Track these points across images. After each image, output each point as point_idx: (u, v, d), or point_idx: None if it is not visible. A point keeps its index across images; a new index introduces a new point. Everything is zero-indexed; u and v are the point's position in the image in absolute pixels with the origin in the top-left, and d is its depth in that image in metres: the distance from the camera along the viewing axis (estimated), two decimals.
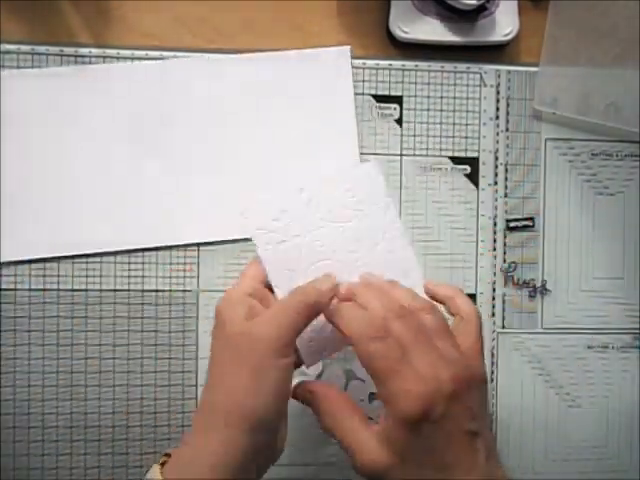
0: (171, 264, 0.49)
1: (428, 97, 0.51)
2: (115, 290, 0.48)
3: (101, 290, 0.48)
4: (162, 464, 0.36)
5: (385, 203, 0.42)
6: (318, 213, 0.41)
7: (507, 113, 0.51)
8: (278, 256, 0.40)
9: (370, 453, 0.35)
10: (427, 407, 0.33)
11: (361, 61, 0.50)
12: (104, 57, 0.48)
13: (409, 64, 0.50)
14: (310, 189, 0.41)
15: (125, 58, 0.48)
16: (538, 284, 0.51)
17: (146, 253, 0.48)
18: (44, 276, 0.48)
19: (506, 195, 0.51)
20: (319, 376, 0.49)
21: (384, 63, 0.50)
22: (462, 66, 0.51)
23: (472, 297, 0.50)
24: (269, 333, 0.35)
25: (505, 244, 0.51)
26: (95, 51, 0.48)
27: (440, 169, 0.51)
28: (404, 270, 0.42)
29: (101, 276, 0.48)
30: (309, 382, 0.39)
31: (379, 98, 0.50)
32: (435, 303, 0.40)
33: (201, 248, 0.49)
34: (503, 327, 0.51)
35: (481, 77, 0.51)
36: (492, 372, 0.51)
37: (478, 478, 0.34)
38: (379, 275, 0.41)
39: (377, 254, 0.42)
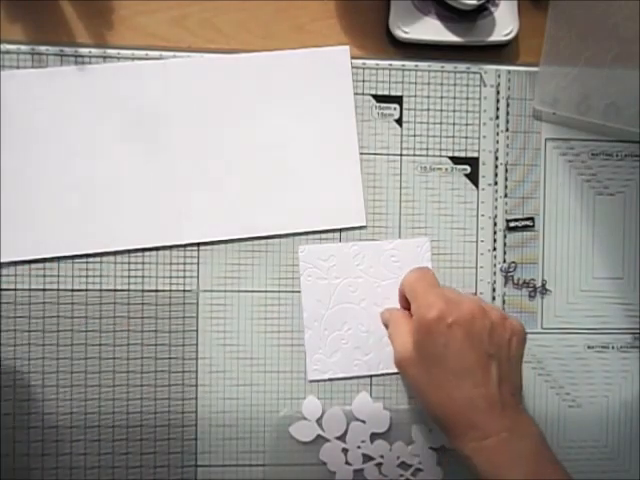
0: (171, 264, 0.49)
1: (428, 97, 0.51)
2: (115, 290, 0.48)
3: (101, 290, 0.48)
4: None
5: None
6: (361, 265, 0.49)
7: (507, 113, 0.51)
8: (314, 288, 0.49)
9: (404, 344, 0.44)
10: (442, 313, 0.42)
11: (361, 61, 0.50)
12: (104, 57, 0.48)
13: (409, 64, 0.50)
14: (360, 245, 0.49)
15: (125, 58, 0.48)
16: (538, 284, 0.51)
17: (146, 253, 0.48)
18: (44, 276, 0.48)
19: (506, 195, 0.51)
20: (319, 418, 0.49)
21: (384, 63, 0.50)
22: (462, 66, 0.51)
23: None
24: None
25: (505, 244, 0.51)
26: (95, 51, 0.48)
27: (440, 169, 0.51)
28: None
29: (101, 276, 0.48)
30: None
31: (379, 98, 0.50)
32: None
33: (201, 248, 0.49)
34: None
35: (481, 77, 0.51)
36: None
37: (485, 393, 0.41)
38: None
39: None
